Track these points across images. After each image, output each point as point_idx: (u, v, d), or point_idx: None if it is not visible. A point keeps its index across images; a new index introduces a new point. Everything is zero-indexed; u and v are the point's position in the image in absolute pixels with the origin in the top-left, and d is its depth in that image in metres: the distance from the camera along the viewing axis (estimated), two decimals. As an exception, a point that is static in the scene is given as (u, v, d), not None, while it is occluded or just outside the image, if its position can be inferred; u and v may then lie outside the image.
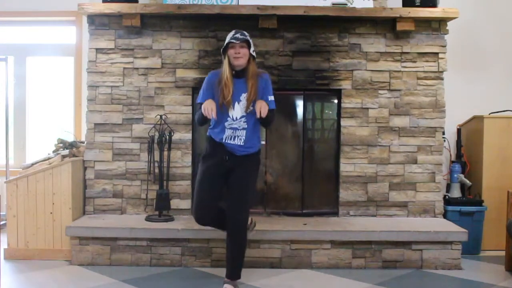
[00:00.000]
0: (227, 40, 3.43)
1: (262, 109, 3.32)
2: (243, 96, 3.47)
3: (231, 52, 3.41)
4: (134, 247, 4.11)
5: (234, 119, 3.47)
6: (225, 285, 3.46)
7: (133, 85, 4.52)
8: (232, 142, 3.47)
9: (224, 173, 3.50)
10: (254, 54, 3.47)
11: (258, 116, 3.33)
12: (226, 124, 3.48)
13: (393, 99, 4.52)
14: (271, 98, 3.47)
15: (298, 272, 3.93)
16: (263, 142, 4.64)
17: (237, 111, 3.46)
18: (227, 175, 3.50)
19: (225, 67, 3.46)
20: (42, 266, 4.06)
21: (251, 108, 3.43)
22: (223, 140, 3.48)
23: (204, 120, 3.47)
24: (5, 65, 5.00)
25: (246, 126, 3.46)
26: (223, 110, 3.47)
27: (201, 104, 3.46)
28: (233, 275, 3.48)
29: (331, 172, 4.67)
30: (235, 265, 3.47)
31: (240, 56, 3.39)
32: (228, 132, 3.47)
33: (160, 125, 4.35)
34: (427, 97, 4.52)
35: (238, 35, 3.39)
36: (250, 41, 3.45)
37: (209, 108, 3.35)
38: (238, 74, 3.47)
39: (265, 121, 3.46)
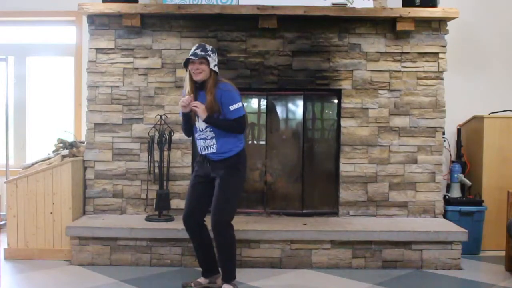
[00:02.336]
0: (189, 55, 3.46)
1: (197, 106, 3.39)
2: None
3: (191, 67, 3.45)
4: (134, 247, 4.11)
5: (201, 130, 3.53)
6: (224, 285, 3.49)
7: (133, 85, 4.52)
8: (206, 152, 3.53)
9: (210, 180, 3.54)
10: (215, 69, 3.48)
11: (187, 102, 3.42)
12: (196, 135, 3.58)
13: (393, 99, 4.52)
14: (232, 107, 3.45)
15: (298, 272, 3.93)
16: (263, 142, 4.65)
17: (202, 122, 3.49)
18: (212, 179, 3.55)
19: (186, 81, 3.52)
20: (42, 266, 4.06)
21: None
22: (201, 152, 3.58)
23: (186, 122, 3.57)
24: (5, 65, 5.00)
25: (213, 135, 3.49)
26: (194, 122, 3.56)
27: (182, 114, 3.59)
28: (227, 278, 3.50)
29: (331, 172, 4.67)
30: (225, 269, 3.50)
31: (199, 72, 3.43)
32: (200, 143, 3.57)
33: (160, 125, 4.35)
34: (427, 97, 4.52)
35: (198, 51, 3.42)
36: (210, 57, 3.44)
37: (183, 104, 3.44)
38: (201, 86, 3.50)
39: (214, 126, 3.47)
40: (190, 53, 3.45)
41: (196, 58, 3.40)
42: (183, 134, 4.45)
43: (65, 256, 4.22)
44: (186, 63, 3.49)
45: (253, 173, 4.67)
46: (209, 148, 3.51)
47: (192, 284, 3.57)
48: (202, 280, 3.61)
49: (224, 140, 3.49)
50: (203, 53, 3.41)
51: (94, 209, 4.52)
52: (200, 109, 3.41)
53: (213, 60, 3.47)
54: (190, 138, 4.50)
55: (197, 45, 3.51)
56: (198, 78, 3.44)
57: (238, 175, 3.55)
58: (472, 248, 4.47)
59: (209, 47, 3.49)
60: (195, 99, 3.48)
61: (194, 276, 3.71)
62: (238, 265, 4.03)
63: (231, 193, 3.49)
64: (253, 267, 4.01)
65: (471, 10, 4.95)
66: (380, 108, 4.53)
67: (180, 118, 3.68)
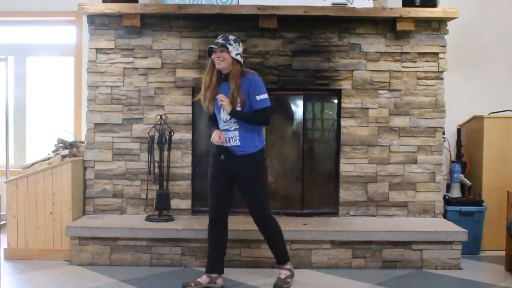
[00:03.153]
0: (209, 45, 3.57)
1: (224, 100, 3.47)
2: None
3: (213, 56, 3.53)
4: (134, 247, 4.11)
5: (225, 120, 3.57)
6: (281, 269, 3.70)
7: (133, 85, 4.52)
8: (228, 144, 3.56)
9: (226, 170, 3.59)
10: (237, 58, 3.53)
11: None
12: (220, 126, 3.62)
13: (393, 99, 4.52)
14: (259, 97, 3.51)
15: (298, 272, 3.92)
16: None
17: (226, 113, 3.54)
18: (230, 171, 3.59)
19: (208, 70, 3.60)
20: (42, 266, 4.06)
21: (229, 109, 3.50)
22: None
23: (213, 123, 3.72)
24: (5, 65, 5.00)
25: (237, 126, 3.54)
26: (218, 113, 3.63)
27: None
28: (283, 260, 3.72)
29: (331, 172, 4.67)
30: (280, 253, 3.72)
31: (220, 60, 3.50)
32: (223, 134, 3.59)
33: (160, 125, 4.35)
34: (427, 97, 4.52)
35: (219, 40, 3.53)
36: (232, 46, 3.51)
37: (215, 139, 3.56)
38: (226, 77, 3.56)
39: (239, 119, 3.53)
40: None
41: (217, 47, 3.49)
42: (183, 134, 4.50)
43: (65, 256, 4.22)
44: (210, 55, 3.56)
45: (253, 173, 4.67)
46: (231, 140, 3.55)
47: (192, 284, 3.57)
48: (202, 280, 3.61)
49: (247, 134, 3.55)
50: (223, 42, 3.51)
51: (94, 209, 4.52)
52: (226, 103, 3.47)
53: (235, 49, 3.52)
54: (191, 138, 4.52)
55: (220, 36, 3.61)
56: (220, 66, 3.51)
57: (264, 172, 3.71)
58: (472, 248, 4.47)
59: (231, 37, 3.58)
60: (218, 90, 3.55)
61: (194, 276, 3.71)
62: (238, 265, 4.06)
63: (263, 187, 3.65)
64: (253, 267, 4.01)
65: (471, 10, 4.95)
66: (380, 108, 4.53)
67: (208, 122, 3.85)
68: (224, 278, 3.69)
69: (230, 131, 3.55)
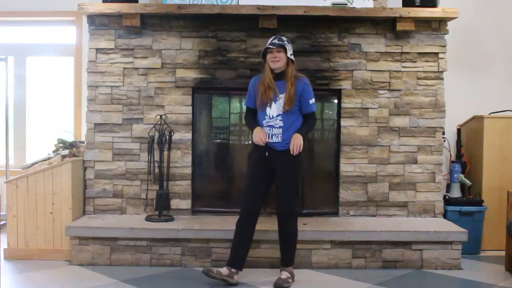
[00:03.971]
0: (266, 46, 3.68)
1: (295, 146, 3.60)
2: (281, 96, 3.68)
3: (269, 56, 3.66)
4: (134, 247, 4.11)
5: (271, 117, 3.69)
6: (283, 272, 3.70)
7: (133, 85, 4.52)
8: (269, 140, 3.67)
9: (269, 168, 3.69)
10: (292, 58, 3.69)
11: (292, 152, 3.60)
12: (264, 122, 3.72)
13: (393, 99, 4.52)
14: (311, 101, 3.70)
15: (298, 272, 3.92)
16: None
17: (274, 109, 3.68)
18: (272, 170, 3.69)
19: (267, 71, 3.70)
20: (42, 266, 4.06)
21: (287, 108, 3.65)
22: None
23: (253, 118, 3.83)
24: (5, 65, 5.00)
25: (282, 124, 3.66)
26: (262, 110, 3.73)
27: (247, 107, 3.88)
28: (288, 263, 3.74)
29: (331, 172, 4.67)
30: (288, 256, 3.74)
31: (277, 60, 3.63)
32: (266, 130, 3.70)
33: (160, 125, 4.35)
34: (427, 97, 4.52)
35: (275, 41, 3.65)
36: (288, 46, 3.67)
37: (257, 138, 3.66)
38: (278, 76, 3.69)
39: (305, 135, 3.73)
40: (267, 45, 3.67)
41: (274, 47, 3.62)
42: (183, 134, 4.50)
43: (65, 256, 4.22)
44: (264, 55, 3.71)
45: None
46: (274, 137, 3.66)
47: (214, 271, 3.62)
48: (223, 270, 3.65)
49: (291, 131, 3.66)
50: (280, 42, 3.65)
51: (94, 209, 4.51)
52: (298, 145, 3.60)
53: (290, 50, 3.69)
54: (191, 138, 4.52)
55: (273, 36, 3.74)
56: (276, 66, 3.64)
57: (301, 167, 3.77)
58: (472, 248, 4.47)
59: (284, 38, 3.73)
60: (276, 88, 3.67)
61: (194, 276, 3.71)
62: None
63: (297, 184, 3.71)
64: (253, 267, 4.01)
65: (471, 10, 4.96)
66: (380, 108, 4.53)
67: (246, 122, 3.93)
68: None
69: (275, 127, 3.67)
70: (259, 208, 3.73)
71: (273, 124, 3.66)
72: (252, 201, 3.69)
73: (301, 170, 3.81)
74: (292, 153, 3.61)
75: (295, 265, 3.92)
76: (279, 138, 3.65)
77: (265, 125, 3.69)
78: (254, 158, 3.75)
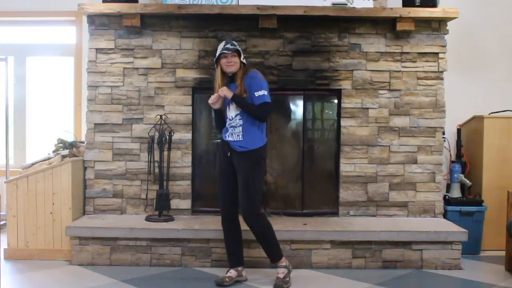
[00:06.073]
0: (219, 51, 3.70)
1: (220, 92, 3.67)
2: None
3: (223, 61, 3.70)
4: (134, 247, 4.11)
5: (231, 118, 3.75)
6: (278, 268, 3.71)
7: (133, 85, 4.52)
8: (231, 138, 3.72)
9: (233, 168, 3.73)
10: (244, 61, 3.75)
11: (216, 93, 3.69)
12: (227, 124, 3.79)
13: (393, 99, 4.52)
14: (258, 93, 3.67)
15: (298, 272, 3.93)
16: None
17: (232, 110, 3.74)
18: (235, 171, 3.73)
19: (218, 76, 3.76)
20: (42, 266, 4.06)
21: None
22: (226, 138, 3.76)
23: (217, 118, 3.87)
24: (5, 65, 5.00)
25: (241, 122, 3.71)
26: (225, 112, 3.80)
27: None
28: (275, 259, 3.74)
29: (331, 172, 4.67)
30: (271, 252, 3.75)
31: (232, 64, 3.69)
32: (229, 131, 3.76)
33: (160, 125, 4.35)
34: (427, 97, 4.52)
35: (228, 46, 3.68)
36: (240, 50, 3.73)
37: (212, 98, 3.72)
38: (231, 78, 3.75)
39: (239, 105, 3.68)
40: (220, 50, 3.68)
41: (229, 52, 3.66)
42: (183, 134, 4.50)
43: (65, 256, 4.22)
44: (217, 59, 3.73)
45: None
46: (234, 135, 3.71)
47: (227, 279, 3.68)
48: (232, 274, 3.73)
49: (250, 131, 3.70)
50: (234, 47, 3.69)
51: (94, 209, 4.51)
52: (225, 90, 3.66)
53: (242, 53, 3.76)
54: (191, 138, 4.52)
55: (224, 41, 3.76)
56: (231, 70, 3.70)
57: (261, 170, 3.78)
58: (472, 248, 4.47)
59: (235, 42, 3.77)
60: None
61: (194, 276, 3.71)
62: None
63: (256, 187, 3.69)
64: (253, 267, 4.01)
65: (471, 10, 4.95)
66: (380, 108, 4.53)
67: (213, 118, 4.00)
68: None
69: (236, 127, 3.71)
70: (234, 204, 3.74)
71: (234, 124, 3.72)
72: (225, 200, 3.77)
73: (261, 172, 3.80)
74: (217, 93, 3.69)
75: (295, 265, 3.92)
76: (239, 136, 3.69)
77: (228, 127, 3.75)
78: (220, 158, 3.86)
